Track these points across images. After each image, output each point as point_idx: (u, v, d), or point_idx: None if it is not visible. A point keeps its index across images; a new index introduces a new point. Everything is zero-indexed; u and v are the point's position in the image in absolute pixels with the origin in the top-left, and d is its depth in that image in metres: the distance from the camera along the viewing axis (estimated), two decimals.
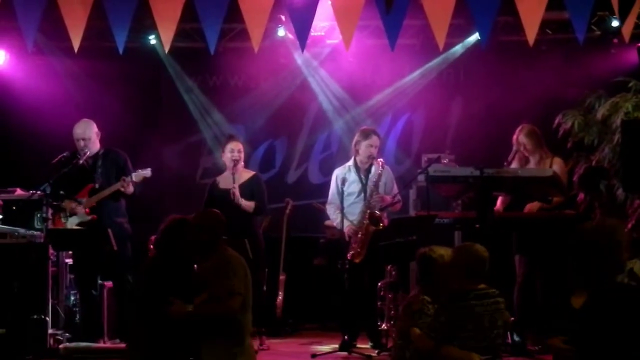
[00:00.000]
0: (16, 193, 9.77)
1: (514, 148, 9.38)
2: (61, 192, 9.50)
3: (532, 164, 9.37)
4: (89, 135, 9.62)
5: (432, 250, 6.63)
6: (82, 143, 9.60)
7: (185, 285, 6.57)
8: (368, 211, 9.37)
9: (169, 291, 6.44)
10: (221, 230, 6.75)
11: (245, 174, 9.88)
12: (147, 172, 9.54)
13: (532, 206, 9.23)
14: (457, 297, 6.18)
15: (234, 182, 9.60)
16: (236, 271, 6.50)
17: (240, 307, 6.42)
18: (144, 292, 6.70)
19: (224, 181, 9.78)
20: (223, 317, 6.39)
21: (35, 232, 9.26)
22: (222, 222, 6.79)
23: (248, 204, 9.62)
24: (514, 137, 9.42)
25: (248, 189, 9.73)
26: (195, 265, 6.75)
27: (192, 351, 6.48)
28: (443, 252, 6.59)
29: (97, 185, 9.56)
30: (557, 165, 9.32)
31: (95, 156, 9.70)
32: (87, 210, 9.48)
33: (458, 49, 12.11)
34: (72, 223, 9.44)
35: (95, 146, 9.69)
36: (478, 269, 6.28)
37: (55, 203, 9.42)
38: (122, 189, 9.42)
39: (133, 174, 9.51)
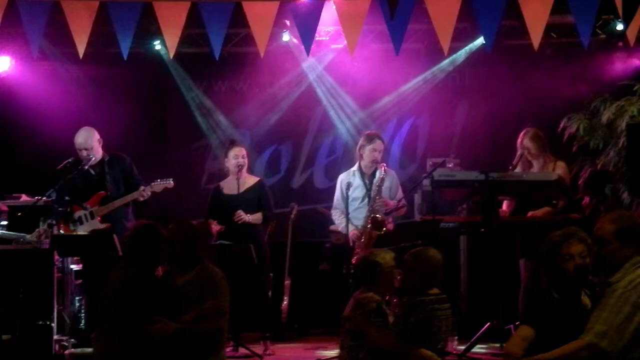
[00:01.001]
0: (21, 199, 9.78)
1: (519, 152, 9.38)
2: (66, 197, 9.51)
3: (535, 168, 9.37)
4: (91, 145, 9.62)
5: (375, 254, 6.73)
6: (84, 153, 9.61)
7: (162, 296, 6.46)
8: (371, 216, 9.37)
9: (149, 305, 6.32)
10: (198, 242, 6.66)
11: (250, 180, 9.88)
12: (170, 182, 9.56)
13: (537, 212, 9.23)
14: (423, 299, 6.30)
15: (238, 189, 9.61)
16: (223, 289, 6.47)
17: (225, 326, 6.44)
18: (122, 308, 6.45)
19: (228, 187, 9.78)
20: (212, 337, 6.35)
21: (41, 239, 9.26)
22: (198, 234, 6.69)
23: (256, 218, 9.65)
24: (518, 141, 9.42)
25: (254, 195, 9.73)
26: (176, 279, 6.60)
27: None
28: (386, 255, 6.70)
29: (109, 193, 9.59)
30: (560, 169, 9.32)
31: (101, 163, 9.71)
32: (99, 219, 9.50)
33: (463, 53, 12.10)
34: (83, 232, 9.44)
35: (98, 153, 9.69)
36: (436, 273, 6.41)
37: (60, 209, 9.43)
38: (141, 198, 9.45)
39: (153, 184, 9.52)
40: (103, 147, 9.81)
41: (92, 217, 9.54)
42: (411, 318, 6.24)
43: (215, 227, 9.64)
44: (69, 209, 9.57)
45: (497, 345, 8.78)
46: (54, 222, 9.30)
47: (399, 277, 6.71)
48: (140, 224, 6.91)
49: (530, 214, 9.25)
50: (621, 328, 4.67)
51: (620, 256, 4.91)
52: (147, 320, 6.25)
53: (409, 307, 6.36)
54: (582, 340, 4.80)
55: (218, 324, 6.36)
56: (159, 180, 9.63)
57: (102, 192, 9.62)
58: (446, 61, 12.13)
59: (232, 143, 10.06)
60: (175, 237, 6.58)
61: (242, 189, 9.69)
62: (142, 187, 9.52)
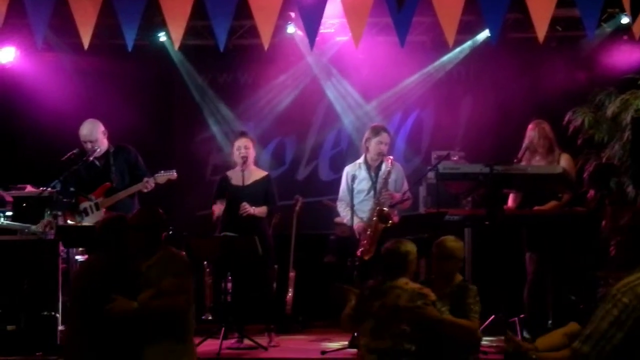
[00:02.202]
0: (26, 190, 9.78)
1: (524, 144, 9.38)
2: (71, 189, 9.52)
3: (540, 161, 9.37)
4: (95, 137, 9.63)
5: (404, 244, 6.87)
6: (89, 145, 9.62)
7: (127, 282, 6.44)
8: (377, 208, 9.36)
9: (111, 289, 6.30)
10: (162, 227, 6.69)
11: (257, 173, 9.89)
12: (173, 173, 9.56)
13: (543, 208, 9.24)
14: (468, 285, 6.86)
15: (243, 180, 9.62)
16: (182, 269, 6.48)
17: (186, 304, 6.40)
18: (83, 292, 6.50)
19: (235, 177, 9.79)
20: (170, 313, 6.33)
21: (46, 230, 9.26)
22: (161, 219, 6.72)
23: (261, 211, 9.67)
24: (528, 131, 9.41)
25: (261, 189, 9.75)
26: (140, 266, 6.57)
27: (134, 352, 6.35)
28: (412, 245, 6.88)
29: (114, 184, 9.60)
30: (565, 161, 9.33)
31: (107, 154, 9.73)
32: (104, 210, 9.50)
33: (468, 46, 12.09)
34: (89, 223, 9.43)
35: (103, 145, 9.71)
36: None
37: (65, 200, 9.43)
38: (145, 190, 9.47)
39: (157, 175, 9.55)
40: (108, 139, 9.82)
41: (98, 209, 9.55)
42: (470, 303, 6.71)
43: (217, 208, 9.68)
44: (73, 200, 9.57)
45: (503, 337, 8.77)
46: (59, 213, 9.30)
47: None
48: (109, 216, 6.94)
49: (536, 209, 9.25)
50: (608, 333, 4.39)
51: (633, 255, 4.63)
52: (106, 300, 6.23)
53: (475, 293, 6.77)
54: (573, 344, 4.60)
55: (176, 301, 6.31)
56: (162, 171, 9.65)
57: (107, 183, 9.64)
58: (451, 54, 12.13)
59: (238, 134, 10.08)
60: (138, 223, 6.61)
61: (248, 182, 9.70)
62: (145, 179, 9.54)
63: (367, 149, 9.67)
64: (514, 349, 5.09)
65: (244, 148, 9.76)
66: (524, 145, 9.37)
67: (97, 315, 6.23)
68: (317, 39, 9.81)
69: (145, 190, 9.55)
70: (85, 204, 9.55)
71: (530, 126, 9.45)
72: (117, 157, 9.74)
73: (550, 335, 5.49)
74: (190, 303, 6.51)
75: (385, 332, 6.68)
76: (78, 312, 6.52)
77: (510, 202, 9.59)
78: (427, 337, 6.60)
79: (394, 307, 6.62)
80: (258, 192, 9.72)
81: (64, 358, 6.78)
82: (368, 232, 9.32)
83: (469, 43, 12.06)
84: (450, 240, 6.99)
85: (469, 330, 6.64)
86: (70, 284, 6.72)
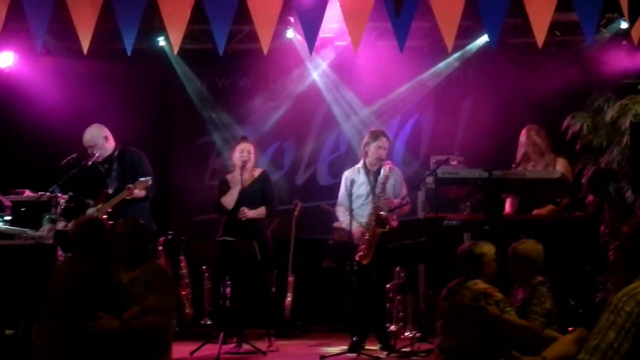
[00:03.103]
0: (25, 194, 9.76)
1: (521, 150, 9.39)
2: (70, 193, 9.49)
3: (537, 165, 9.38)
4: (96, 142, 9.58)
5: (479, 246, 7.03)
6: (90, 150, 9.59)
7: (110, 292, 6.39)
8: (375, 213, 9.37)
9: (94, 303, 6.23)
10: (145, 240, 6.65)
11: (254, 172, 9.89)
12: (148, 180, 9.39)
13: (541, 211, 9.25)
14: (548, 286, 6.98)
15: (241, 185, 9.62)
16: (167, 286, 6.45)
17: (170, 323, 6.39)
18: (65, 303, 6.32)
19: (234, 181, 9.79)
20: (155, 334, 6.29)
21: (43, 233, 9.23)
22: (145, 232, 6.68)
23: (259, 212, 9.65)
24: (521, 138, 9.43)
25: (258, 187, 9.75)
26: (121, 277, 6.53)
27: None
28: (489, 247, 7.05)
29: (110, 190, 9.53)
30: (560, 165, 9.34)
31: (110, 159, 9.66)
32: (105, 216, 9.46)
33: (467, 50, 12.10)
34: None
35: (105, 150, 9.63)
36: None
37: (65, 205, 9.40)
38: (128, 197, 9.33)
39: (136, 183, 9.37)
40: (116, 142, 9.74)
41: (98, 214, 9.52)
42: (547, 305, 6.84)
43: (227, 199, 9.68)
44: (72, 205, 9.54)
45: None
46: (56, 217, 9.28)
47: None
48: (83, 219, 6.89)
49: (535, 212, 9.26)
50: (614, 344, 4.23)
51: (634, 262, 4.48)
52: (90, 316, 6.15)
53: (542, 295, 6.90)
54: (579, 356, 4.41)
55: (160, 320, 6.26)
56: (140, 178, 9.45)
57: (105, 189, 9.61)
58: (450, 59, 12.13)
59: (241, 138, 10.08)
60: (121, 235, 6.57)
61: (246, 184, 9.70)
62: (127, 185, 9.37)
63: (365, 154, 9.67)
64: None
65: (246, 152, 9.76)
66: (522, 151, 9.38)
67: (80, 325, 6.15)
68: (317, 43, 9.82)
69: (129, 198, 9.35)
70: (90, 210, 9.51)
71: (523, 132, 9.50)
72: (120, 161, 9.68)
73: (559, 343, 5.51)
74: (172, 319, 6.48)
75: (451, 331, 6.78)
76: (60, 319, 6.31)
77: (508, 207, 9.59)
78: (489, 337, 6.61)
79: (458, 307, 6.67)
80: (256, 191, 9.71)
81: None
82: (366, 237, 9.32)
83: (468, 48, 12.06)
84: (522, 243, 7.09)
85: (528, 331, 6.65)
86: (49, 286, 6.55)
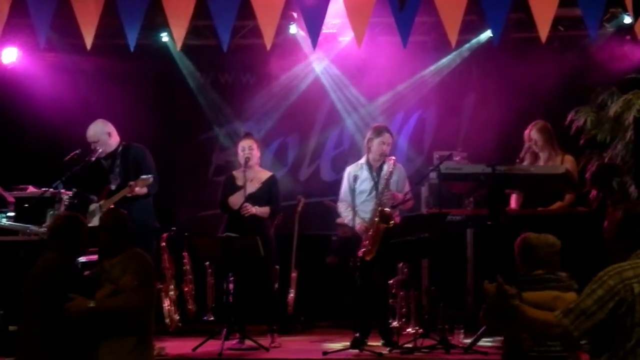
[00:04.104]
0: (28, 190, 9.77)
1: (526, 145, 9.37)
2: (73, 189, 9.49)
3: (543, 161, 9.36)
4: (98, 137, 9.54)
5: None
6: (93, 146, 9.57)
7: (86, 281, 6.57)
8: (378, 209, 9.35)
9: (69, 287, 6.36)
10: (125, 228, 6.77)
11: (262, 175, 9.86)
12: (149, 178, 9.37)
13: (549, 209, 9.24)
14: None
15: (245, 181, 9.60)
16: (142, 267, 6.50)
17: (142, 302, 6.37)
18: (38, 290, 6.54)
19: (239, 178, 9.75)
20: (126, 311, 6.32)
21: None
22: (124, 221, 6.81)
23: (263, 210, 9.63)
24: (526, 133, 9.42)
25: (265, 190, 9.73)
26: (104, 265, 6.67)
27: (89, 352, 6.37)
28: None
29: (113, 187, 9.51)
30: (568, 163, 9.32)
31: (113, 155, 9.64)
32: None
33: (470, 45, 12.09)
34: (95, 223, 9.40)
35: (109, 146, 9.59)
36: None
37: (68, 200, 9.40)
38: (129, 194, 9.31)
39: (137, 181, 9.34)
40: (121, 138, 9.72)
41: (101, 211, 9.51)
42: None
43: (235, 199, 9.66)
44: (76, 201, 9.53)
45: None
46: (59, 213, 9.27)
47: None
48: (62, 215, 7.10)
49: (540, 210, 9.24)
50: (589, 311, 4.46)
51: (623, 247, 4.74)
52: (64, 300, 6.27)
53: None
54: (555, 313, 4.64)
55: (132, 297, 6.32)
56: (142, 176, 9.43)
57: (107, 185, 9.61)
58: (453, 54, 12.12)
59: (244, 135, 10.06)
60: (104, 224, 6.76)
61: (253, 183, 9.68)
62: (129, 183, 9.35)
63: (369, 150, 9.65)
64: (497, 290, 5.05)
65: (248, 149, 9.73)
66: (525, 146, 9.37)
67: (55, 313, 6.28)
68: (320, 39, 9.81)
69: (130, 195, 9.34)
70: (93, 206, 9.51)
71: (529, 127, 9.45)
72: (124, 156, 9.64)
73: (541, 293, 5.56)
74: (148, 300, 6.49)
75: None
76: (35, 311, 6.51)
77: (513, 203, 9.57)
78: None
79: None
80: (262, 195, 9.69)
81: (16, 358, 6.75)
82: (369, 233, 9.31)
83: (471, 43, 12.06)
84: (530, 235, 6.96)
85: (544, 323, 6.40)
86: (24, 284, 6.67)
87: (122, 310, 6.31)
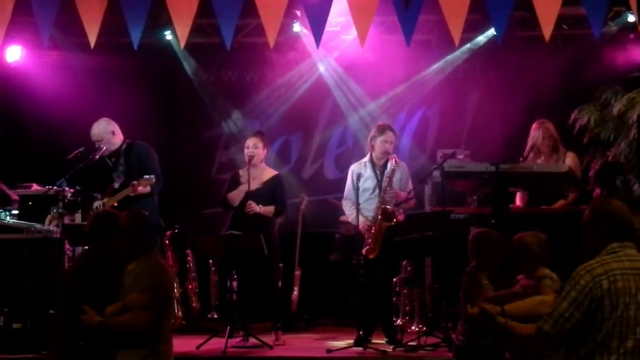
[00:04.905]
0: (32, 188, 9.78)
1: (530, 143, 9.37)
2: (77, 187, 9.49)
3: (545, 160, 9.36)
4: (103, 136, 9.54)
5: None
6: (97, 144, 9.57)
7: (110, 287, 6.50)
8: (382, 207, 9.36)
9: (93, 294, 6.37)
10: (146, 232, 6.68)
11: (267, 173, 9.87)
12: (151, 178, 9.36)
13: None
14: None
15: (248, 179, 9.60)
16: (153, 284, 6.38)
17: (149, 321, 6.29)
18: (69, 294, 6.57)
19: (244, 176, 9.75)
20: (132, 330, 6.28)
21: (51, 228, 9.24)
22: (147, 224, 6.73)
23: (267, 210, 9.62)
24: (531, 131, 9.41)
25: (269, 189, 9.73)
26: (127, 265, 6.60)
27: (108, 356, 6.36)
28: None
29: (116, 185, 9.52)
30: (570, 160, 9.32)
31: (117, 153, 9.64)
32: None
33: (474, 44, 12.09)
34: None
35: (113, 144, 9.59)
36: None
37: (72, 198, 9.40)
38: (132, 194, 9.31)
39: (140, 180, 9.33)
40: (125, 136, 9.73)
41: (104, 209, 9.51)
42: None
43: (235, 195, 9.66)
44: (77, 199, 9.53)
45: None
46: (64, 211, 9.28)
47: None
48: (102, 211, 6.99)
49: (544, 208, 9.24)
50: (566, 313, 4.65)
51: (594, 244, 4.89)
52: (80, 310, 6.28)
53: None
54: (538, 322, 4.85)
55: (136, 318, 6.26)
56: (145, 176, 9.43)
57: (112, 183, 9.61)
58: (457, 52, 12.12)
59: (253, 133, 10.05)
60: (124, 226, 6.61)
61: (257, 181, 9.68)
62: (132, 182, 9.35)
63: (372, 148, 9.65)
64: (480, 313, 5.10)
65: (252, 147, 9.72)
66: (529, 144, 9.36)
67: (73, 321, 6.31)
68: (323, 37, 9.81)
69: (133, 194, 9.34)
70: (97, 203, 9.51)
71: (534, 126, 9.44)
72: (127, 155, 9.65)
73: (526, 301, 5.62)
74: (156, 318, 6.34)
75: None
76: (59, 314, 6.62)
77: (518, 200, 9.58)
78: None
79: None
80: (266, 192, 9.69)
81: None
82: (372, 231, 9.32)
83: (474, 41, 12.06)
84: (521, 235, 6.98)
85: (528, 338, 6.27)
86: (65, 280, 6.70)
87: (129, 329, 6.28)
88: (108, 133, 9.58)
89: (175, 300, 10.29)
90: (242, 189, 9.64)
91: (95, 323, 6.26)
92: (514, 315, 5.49)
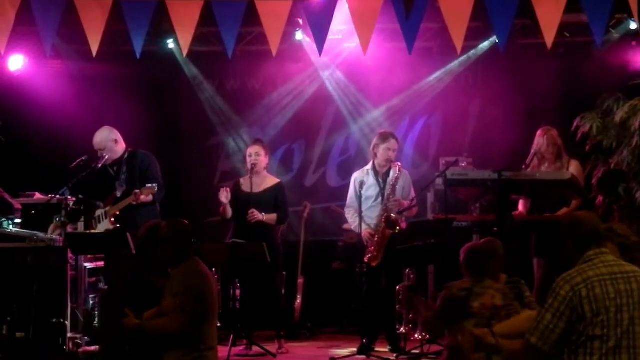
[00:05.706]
0: (35, 197, 9.78)
1: (533, 151, 9.37)
2: (80, 196, 9.49)
3: (549, 167, 9.36)
4: (106, 144, 9.58)
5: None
6: (99, 153, 9.59)
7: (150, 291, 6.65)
8: (385, 215, 9.36)
9: (135, 298, 6.54)
10: (188, 239, 6.71)
11: (270, 181, 9.88)
12: (154, 187, 9.38)
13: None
14: None
15: (251, 187, 9.61)
16: (190, 291, 6.42)
17: (182, 325, 6.33)
18: (113, 298, 6.80)
19: (246, 184, 9.77)
20: (166, 334, 6.37)
21: (54, 236, 9.24)
22: (186, 232, 6.73)
23: (270, 218, 9.63)
24: (536, 138, 9.40)
25: (271, 195, 9.73)
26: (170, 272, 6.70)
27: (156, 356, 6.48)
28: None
29: (118, 194, 9.54)
30: (573, 168, 9.31)
31: (119, 162, 9.66)
32: (111, 219, 9.45)
33: (476, 52, 12.10)
34: (100, 229, 9.41)
35: (115, 153, 9.63)
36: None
37: (74, 207, 9.40)
38: (134, 203, 9.33)
39: (142, 189, 9.35)
40: (127, 145, 9.74)
41: (106, 217, 9.52)
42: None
43: (223, 195, 9.63)
44: (79, 207, 9.53)
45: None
46: (66, 219, 9.28)
47: None
48: (152, 223, 7.00)
49: (547, 216, 9.23)
50: (550, 325, 4.78)
51: (570, 255, 5.03)
52: (121, 313, 6.45)
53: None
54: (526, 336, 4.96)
55: (170, 323, 6.34)
56: (147, 185, 9.44)
57: (114, 192, 9.62)
58: (459, 60, 12.12)
59: (253, 141, 10.08)
60: (164, 236, 6.64)
61: (259, 189, 9.69)
62: (135, 191, 9.37)
63: (375, 156, 9.66)
64: (470, 338, 5.17)
65: (254, 155, 9.75)
66: (532, 152, 9.36)
67: (118, 323, 6.50)
68: (325, 45, 9.81)
69: (135, 203, 9.36)
70: (99, 212, 9.51)
71: (538, 133, 9.43)
72: (129, 164, 9.67)
73: (514, 319, 5.67)
74: (191, 322, 6.37)
75: None
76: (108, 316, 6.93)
77: (521, 207, 9.57)
78: None
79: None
80: (268, 200, 9.70)
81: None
82: (375, 239, 9.32)
83: (477, 49, 12.06)
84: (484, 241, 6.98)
85: (518, 354, 5.88)
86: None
87: (163, 332, 6.38)
88: (110, 141, 9.60)
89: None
90: (231, 206, 9.66)
91: (133, 326, 6.40)
92: (503, 335, 5.53)
